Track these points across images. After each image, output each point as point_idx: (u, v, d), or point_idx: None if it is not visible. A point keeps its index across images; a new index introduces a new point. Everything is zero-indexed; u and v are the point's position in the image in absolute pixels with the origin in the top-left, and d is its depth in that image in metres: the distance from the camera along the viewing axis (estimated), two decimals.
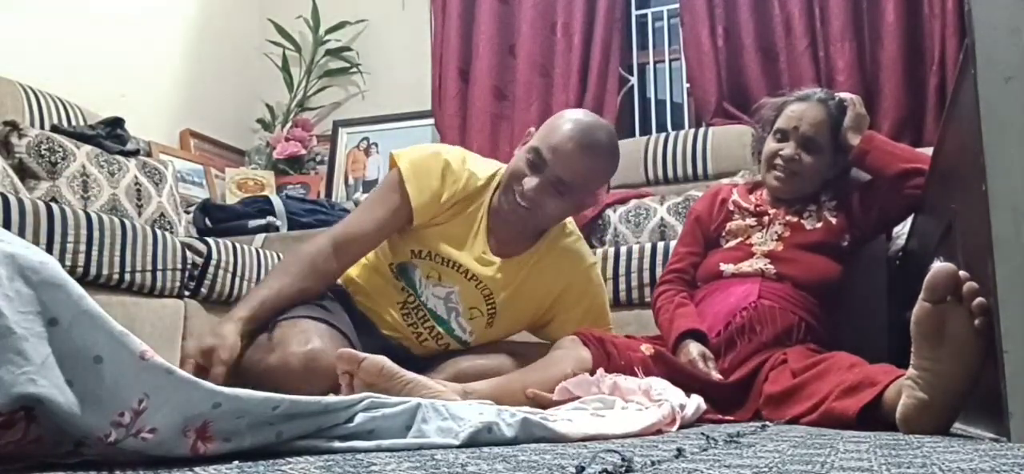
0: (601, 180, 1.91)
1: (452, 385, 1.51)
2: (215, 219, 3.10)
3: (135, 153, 2.88)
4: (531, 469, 0.76)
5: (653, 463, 0.82)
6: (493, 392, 1.51)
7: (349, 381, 1.37)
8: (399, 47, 4.03)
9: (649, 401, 1.46)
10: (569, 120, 1.77)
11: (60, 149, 2.58)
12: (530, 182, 1.72)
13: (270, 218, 3.07)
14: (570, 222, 1.93)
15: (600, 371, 1.58)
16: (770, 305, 1.91)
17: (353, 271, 1.86)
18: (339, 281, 1.84)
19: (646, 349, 1.74)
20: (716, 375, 1.79)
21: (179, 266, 2.32)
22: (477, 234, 1.81)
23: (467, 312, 1.82)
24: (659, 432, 1.32)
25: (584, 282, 1.91)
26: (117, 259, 2.11)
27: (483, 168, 1.84)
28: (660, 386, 1.52)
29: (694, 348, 1.82)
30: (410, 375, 1.41)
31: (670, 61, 3.72)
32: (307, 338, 1.53)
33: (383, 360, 1.38)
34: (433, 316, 1.82)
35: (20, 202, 1.91)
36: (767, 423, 1.57)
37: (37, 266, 0.69)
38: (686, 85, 3.51)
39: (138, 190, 2.75)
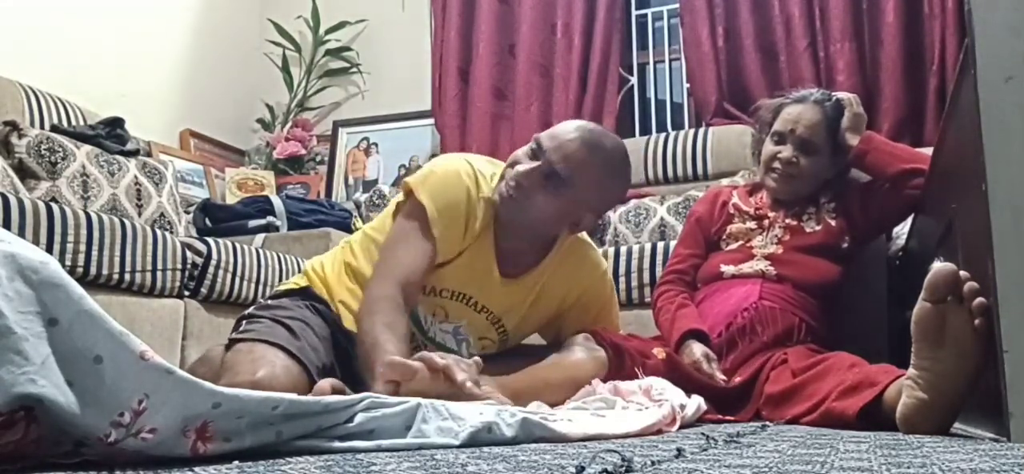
0: (598, 188, 1.68)
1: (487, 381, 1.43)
2: (215, 219, 3.10)
3: (135, 153, 2.88)
4: (531, 469, 0.76)
5: (653, 463, 0.82)
6: (514, 387, 1.48)
7: (394, 389, 1.26)
8: (399, 47, 4.03)
9: (649, 401, 1.46)
10: (578, 122, 1.72)
11: (60, 149, 2.58)
12: (523, 166, 1.62)
13: (270, 218, 3.07)
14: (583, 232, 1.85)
15: (597, 381, 1.58)
16: (771, 306, 1.91)
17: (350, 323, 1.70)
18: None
19: (658, 352, 1.73)
20: (720, 377, 1.79)
21: (179, 266, 2.32)
22: (486, 257, 1.70)
23: (478, 342, 1.76)
24: (659, 432, 1.32)
25: (598, 288, 1.86)
26: (117, 259, 2.11)
27: (491, 183, 1.71)
28: (660, 386, 1.52)
29: (698, 349, 1.83)
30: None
31: (670, 61, 3.71)
32: (256, 368, 1.47)
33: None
34: (444, 350, 1.70)
35: (20, 202, 1.91)
36: (767, 423, 1.56)
37: (37, 266, 0.69)
38: (686, 85, 3.51)
39: (138, 190, 2.75)
